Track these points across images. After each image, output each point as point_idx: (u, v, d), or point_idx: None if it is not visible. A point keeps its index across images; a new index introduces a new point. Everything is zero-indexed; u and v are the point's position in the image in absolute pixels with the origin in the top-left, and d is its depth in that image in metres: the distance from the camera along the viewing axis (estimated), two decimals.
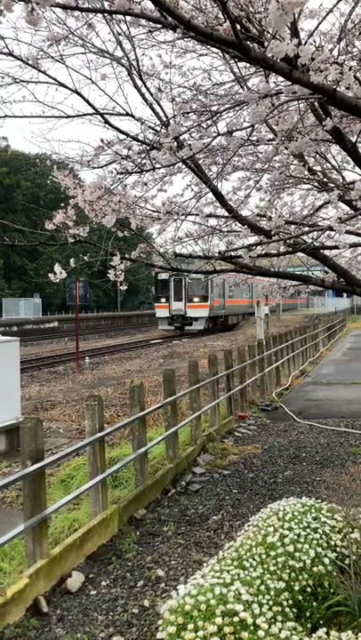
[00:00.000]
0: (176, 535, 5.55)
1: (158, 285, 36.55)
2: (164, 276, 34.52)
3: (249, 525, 4.34)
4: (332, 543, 3.95)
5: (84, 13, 4.06)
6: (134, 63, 4.79)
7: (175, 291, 35.34)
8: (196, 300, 34.97)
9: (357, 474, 6.93)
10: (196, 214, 5.53)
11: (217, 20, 3.64)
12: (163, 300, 35.81)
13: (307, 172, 5.41)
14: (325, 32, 4.34)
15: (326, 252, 5.66)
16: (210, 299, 35.40)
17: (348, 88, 3.01)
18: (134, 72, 4.86)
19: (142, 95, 5.00)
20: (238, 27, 2.63)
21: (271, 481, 7.12)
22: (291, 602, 3.43)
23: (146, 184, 4.56)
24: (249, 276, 6.53)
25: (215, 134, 3.86)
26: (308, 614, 3.51)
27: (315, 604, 3.58)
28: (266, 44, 2.70)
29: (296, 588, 3.56)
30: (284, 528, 3.98)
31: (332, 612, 3.58)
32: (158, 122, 4.88)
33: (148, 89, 4.97)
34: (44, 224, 4.69)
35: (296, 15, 3.16)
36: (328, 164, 5.80)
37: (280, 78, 3.73)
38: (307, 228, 4.97)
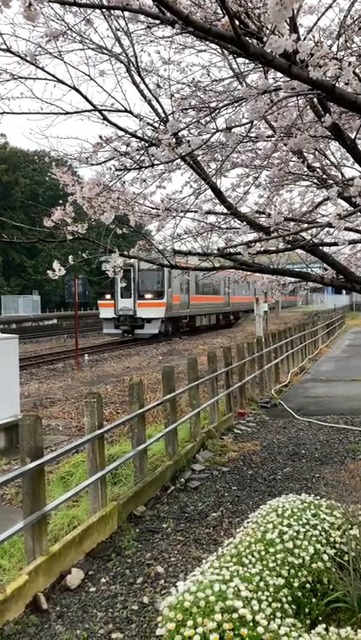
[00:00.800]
0: (175, 532, 5.55)
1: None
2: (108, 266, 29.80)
3: (248, 522, 4.34)
4: (332, 540, 3.95)
5: (82, 9, 4.04)
6: (133, 59, 4.78)
7: (122, 285, 27.92)
8: (148, 296, 28.08)
9: (356, 470, 6.93)
10: (195, 211, 5.52)
11: (215, 15, 3.62)
12: (107, 296, 28.98)
13: (306, 169, 5.40)
14: (324, 28, 4.33)
15: (325, 249, 5.66)
16: (167, 295, 28.25)
17: (347, 84, 3.00)
18: (133, 68, 4.84)
19: (141, 92, 4.98)
20: (237, 22, 2.62)
21: (270, 478, 7.13)
22: (290, 598, 3.44)
23: (145, 180, 4.56)
24: (248, 273, 6.53)
25: (214, 130, 3.85)
26: (307, 610, 3.52)
27: (314, 600, 3.59)
28: (265, 39, 2.69)
29: (295, 584, 3.57)
30: (284, 525, 3.98)
31: (332, 608, 3.59)
32: (157, 118, 4.86)
33: (146, 85, 4.96)
34: (43, 221, 4.67)
35: (295, 11, 3.15)
36: (327, 161, 5.79)
37: (279, 74, 3.73)
38: (306, 225, 4.97)
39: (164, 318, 28.48)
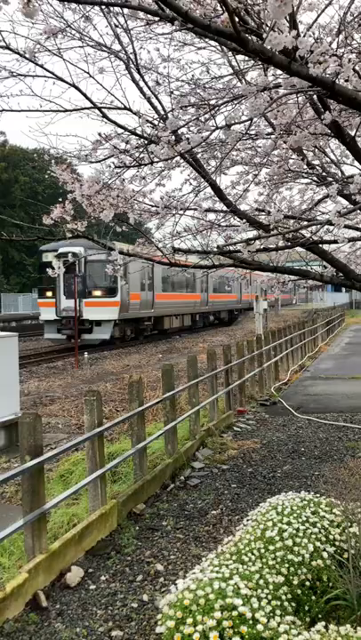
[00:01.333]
0: (175, 530, 5.56)
1: (42, 271, 23.57)
2: (49, 257, 22.91)
3: (248, 520, 4.34)
4: (331, 537, 3.95)
5: (81, 6, 4.04)
6: (132, 57, 4.77)
7: (66, 280, 22.86)
8: (97, 293, 22.92)
9: (356, 468, 6.91)
10: (195, 209, 5.52)
11: (215, 12, 3.62)
12: (49, 293, 23.71)
13: (306, 167, 5.40)
14: (324, 25, 4.32)
15: (325, 247, 5.66)
16: (121, 292, 23.03)
17: (347, 81, 3.00)
18: (132, 66, 4.83)
19: (140, 89, 4.97)
20: (236, 19, 2.61)
21: (270, 475, 7.13)
22: (289, 596, 3.44)
23: (144, 178, 4.55)
24: (247, 270, 6.52)
25: (213, 128, 3.84)
26: (306, 608, 3.52)
27: (313, 597, 3.59)
28: (264, 36, 2.69)
29: (295, 582, 3.57)
30: (283, 522, 3.98)
31: (331, 605, 3.59)
32: (156, 115, 4.85)
33: (145, 83, 4.95)
34: (42, 219, 4.67)
35: (295, 7, 3.14)
36: (327, 158, 5.79)
37: (279, 71, 3.72)
38: (305, 223, 4.96)
39: (118, 320, 23.52)
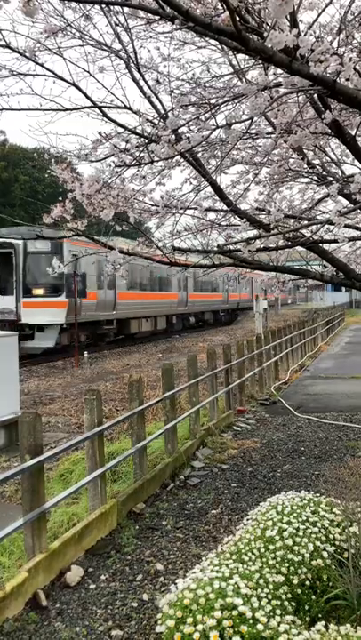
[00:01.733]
0: (175, 529, 5.55)
1: None
2: None
3: (248, 519, 4.34)
4: (331, 537, 3.95)
5: (81, 5, 4.03)
6: (132, 56, 4.77)
7: (1, 275, 19.13)
8: (39, 292, 18.76)
9: (356, 467, 6.91)
10: (195, 208, 5.52)
11: (215, 11, 3.61)
12: None
13: (306, 166, 5.40)
14: (325, 24, 4.32)
15: (325, 246, 5.66)
16: (68, 289, 19.00)
17: (347, 80, 2.99)
18: (132, 65, 4.83)
19: (140, 88, 4.97)
20: (237, 17, 2.60)
21: (270, 475, 7.13)
22: (290, 595, 3.43)
23: (144, 177, 4.54)
24: (247, 270, 6.52)
25: (214, 127, 3.84)
26: (306, 608, 3.52)
27: (313, 597, 3.59)
28: (265, 34, 2.68)
29: (295, 581, 3.57)
30: (283, 522, 3.98)
31: (331, 605, 3.59)
32: (157, 115, 4.85)
33: (146, 82, 4.95)
34: (43, 218, 4.67)
35: (295, 6, 3.14)
36: (327, 158, 5.79)
37: (279, 70, 3.72)
38: (306, 222, 4.96)
39: (67, 324, 19.21)
